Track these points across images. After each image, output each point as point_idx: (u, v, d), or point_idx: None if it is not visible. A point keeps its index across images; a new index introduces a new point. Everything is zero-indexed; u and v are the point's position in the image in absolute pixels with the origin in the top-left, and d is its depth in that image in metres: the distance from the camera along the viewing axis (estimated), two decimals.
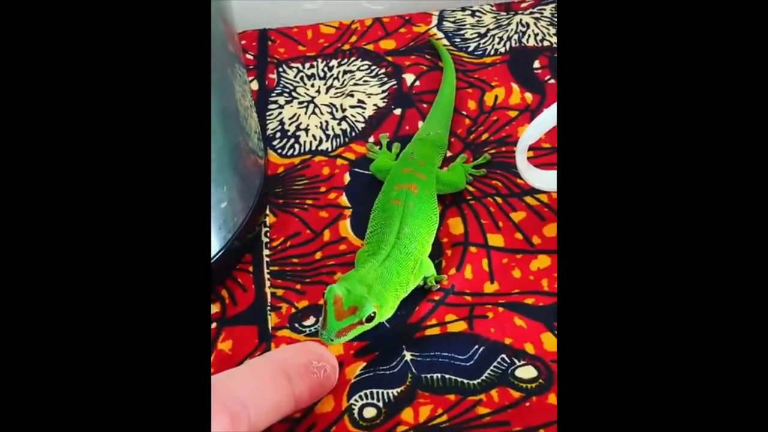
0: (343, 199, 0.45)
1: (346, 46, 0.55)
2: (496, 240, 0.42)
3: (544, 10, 0.54)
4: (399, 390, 0.37)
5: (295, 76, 0.52)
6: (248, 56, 0.53)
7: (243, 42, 0.54)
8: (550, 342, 0.38)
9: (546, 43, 0.52)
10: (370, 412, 0.36)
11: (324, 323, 0.36)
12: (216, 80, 0.38)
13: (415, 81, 0.51)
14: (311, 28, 0.55)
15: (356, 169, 0.46)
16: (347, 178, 0.46)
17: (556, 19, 0.53)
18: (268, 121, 0.49)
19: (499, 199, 0.44)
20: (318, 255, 0.43)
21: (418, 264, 0.40)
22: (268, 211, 0.45)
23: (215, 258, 0.41)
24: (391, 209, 0.41)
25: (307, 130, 0.49)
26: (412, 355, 0.38)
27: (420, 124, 0.48)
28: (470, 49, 0.52)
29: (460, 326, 0.39)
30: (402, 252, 0.40)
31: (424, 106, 0.49)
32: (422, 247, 0.41)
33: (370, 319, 0.36)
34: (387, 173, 0.44)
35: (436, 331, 0.39)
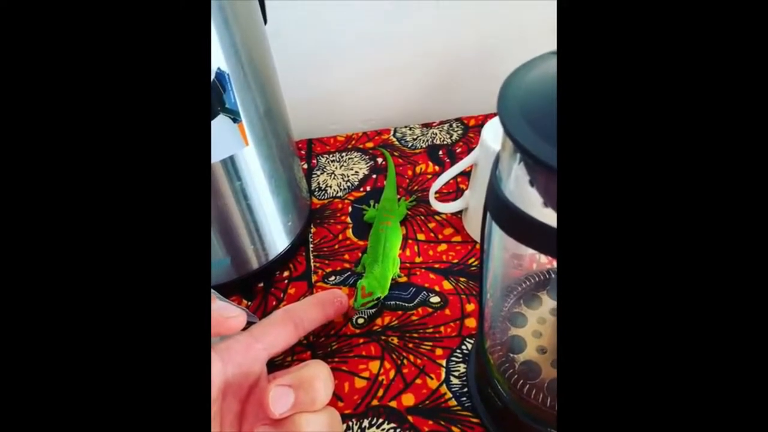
0: (348, 219, 0.46)
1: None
2: (420, 236, 0.43)
3: (445, 125, 0.55)
4: (374, 310, 0.38)
5: (324, 161, 0.52)
6: (302, 152, 0.54)
7: (299, 145, 0.54)
8: (446, 284, 0.39)
9: (445, 142, 0.52)
10: (361, 320, 0.37)
11: (356, 299, 0.36)
12: (286, 167, 0.39)
13: (381, 162, 0.51)
14: (333, 137, 0.55)
15: (355, 204, 0.47)
16: (350, 209, 0.47)
17: (450, 132, 0.54)
18: (312, 182, 0.50)
19: (421, 217, 0.45)
20: (336, 246, 0.43)
21: (395, 261, 0.40)
22: (312, 226, 0.45)
23: (286, 248, 0.41)
24: (379, 234, 0.40)
25: (330, 186, 0.49)
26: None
27: (384, 183, 0.48)
28: (409, 145, 0.53)
29: (403, 279, 0.40)
30: (387, 258, 0.39)
31: (384, 173, 0.49)
32: (395, 252, 0.40)
33: (377, 298, 0.36)
34: (373, 219, 0.43)
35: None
